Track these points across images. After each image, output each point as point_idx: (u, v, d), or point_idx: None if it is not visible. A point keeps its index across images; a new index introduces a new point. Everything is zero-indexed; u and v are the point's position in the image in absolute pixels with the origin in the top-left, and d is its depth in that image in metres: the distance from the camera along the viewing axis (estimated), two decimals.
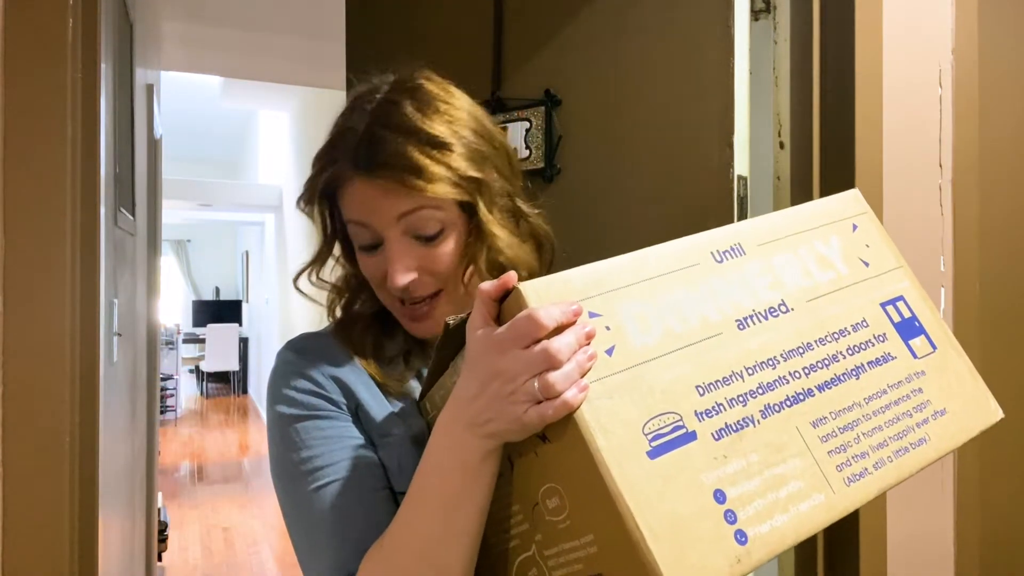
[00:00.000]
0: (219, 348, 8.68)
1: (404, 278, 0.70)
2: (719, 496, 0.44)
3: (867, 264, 0.58)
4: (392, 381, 0.74)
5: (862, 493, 0.48)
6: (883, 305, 0.56)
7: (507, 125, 1.33)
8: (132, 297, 2.15)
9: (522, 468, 0.51)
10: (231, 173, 10.01)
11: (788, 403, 0.49)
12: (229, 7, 2.98)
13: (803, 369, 0.51)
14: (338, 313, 0.80)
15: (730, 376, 0.48)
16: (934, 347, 0.57)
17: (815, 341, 0.52)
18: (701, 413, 0.46)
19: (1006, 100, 1.23)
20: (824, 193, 1.12)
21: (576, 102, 1.26)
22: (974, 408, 0.57)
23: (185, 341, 9.32)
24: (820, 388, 0.50)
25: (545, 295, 0.47)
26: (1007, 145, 1.23)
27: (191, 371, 10.19)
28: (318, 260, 0.79)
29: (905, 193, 1.14)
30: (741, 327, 0.50)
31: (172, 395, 7.85)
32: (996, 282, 1.21)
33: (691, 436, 0.45)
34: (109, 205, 1.58)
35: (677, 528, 0.42)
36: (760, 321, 0.51)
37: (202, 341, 9.17)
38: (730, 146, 1.10)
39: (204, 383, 9.35)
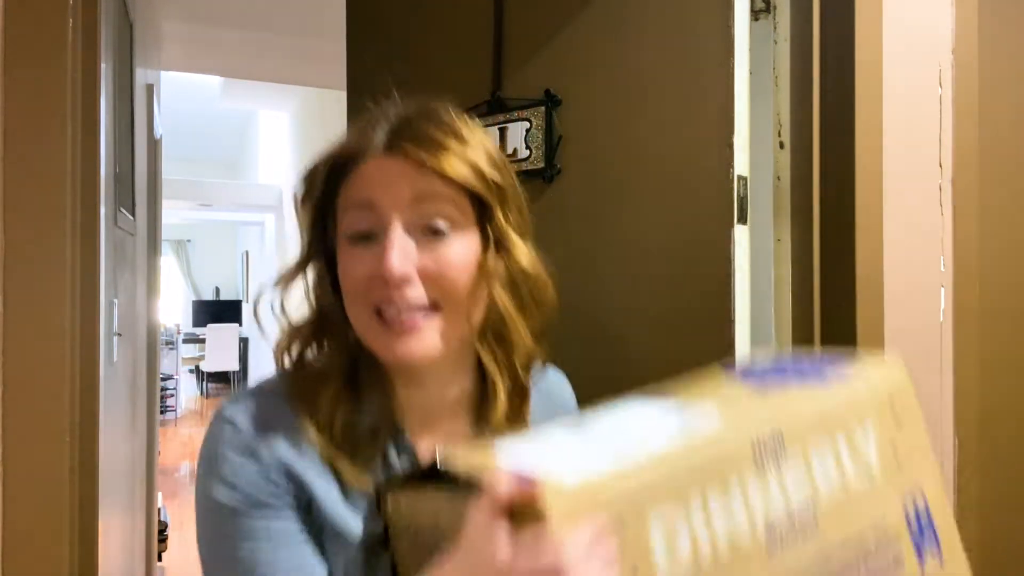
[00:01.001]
0: (219, 348, 8.68)
1: (400, 264, 0.61)
2: None
3: (897, 457, 0.57)
4: (355, 476, 0.64)
5: None
6: (905, 504, 0.56)
7: (507, 125, 1.33)
8: (132, 297, 2.15)
9: None
10: (231, 173, 10.01)
11: None
12: (229, 7, 2.98)
13: None
14: (292, 356, 0.69)
15: None
16: (942, 561, 0.57)
17: (838, 562, 0.51)
18: None
19: (1006, 100, 1.23)
20: (824, 193, 1.12)
21: (576, 102, 1.26)
22: None
23: (185, 341, 9.31)
24: None
25: (571, 509, 0.42)
26: (1007, 145, 1.23)
27: (191, 371, 10.19)
28: (300, 266, 0.70)
29: (905, 193, 1.14)
30: (773, 549, 0.48)
31: (172, 395, 7.85)
32: (996, 282, 1.21)
33: None
34: (109, 205, 1.58)
35: None
36: (788, 543, 0.49)
37: (202, 341, 9.17)
38: (730, 146, 1.10)
39: (204, 383, 9.35)
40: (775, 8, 1.17)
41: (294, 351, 0.69)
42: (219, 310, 10.03)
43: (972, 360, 1.17)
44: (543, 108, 1.28)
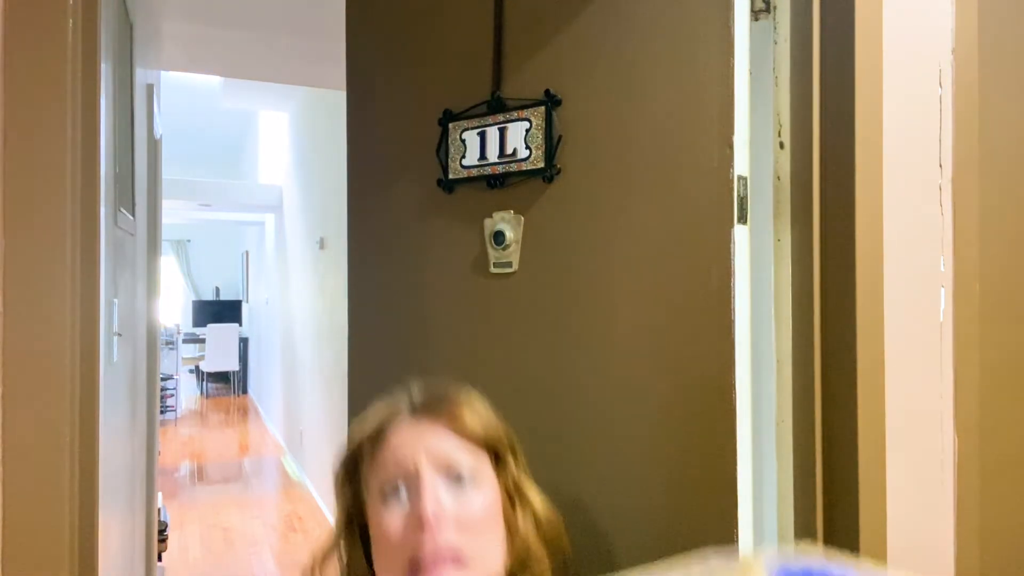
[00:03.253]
0: (219, 348, 8.68)
1: (435, 506, 0.69)
2: None
3: None
4: None
5: None
6: None
7: (507, 125, 1.33)
8: (132, 297, 2.15)
9: None
10: (231, 173, 10.01)
11: None
12: (229, 7, 2.98)
13: None
14: None
15: None
16: None
17: None
18: None
19: (1006, 100, 1.23)
20: (824, 193, 1.12)
21: (576, 102, 1.26)
22: None
23: (185, 341, 9.31)
24: None
25: None
26: (1007, 145, 1.23)
27: (191, 371, 10.19)
28: (337, 536, 0.78)
29: (905, 193, 1.14)
30: None
31: (172, 395, 7.85)
32: (996, 282, 1.21)
33: None
34: (109, 205, 1.58)
35: None
36: None
37: (202, 341, 9.17)
38: (730, 146, 1.10)
39: (204, 383, 9.35)
40: (775, 8, 1.17)
41: None
42: (219, 310, 10.03)
43: (972, 360, 1.17)
44: (543, 108, 1.28)
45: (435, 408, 0.76)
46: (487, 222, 1.35)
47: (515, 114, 1.31)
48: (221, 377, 9.43)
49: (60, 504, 1.02)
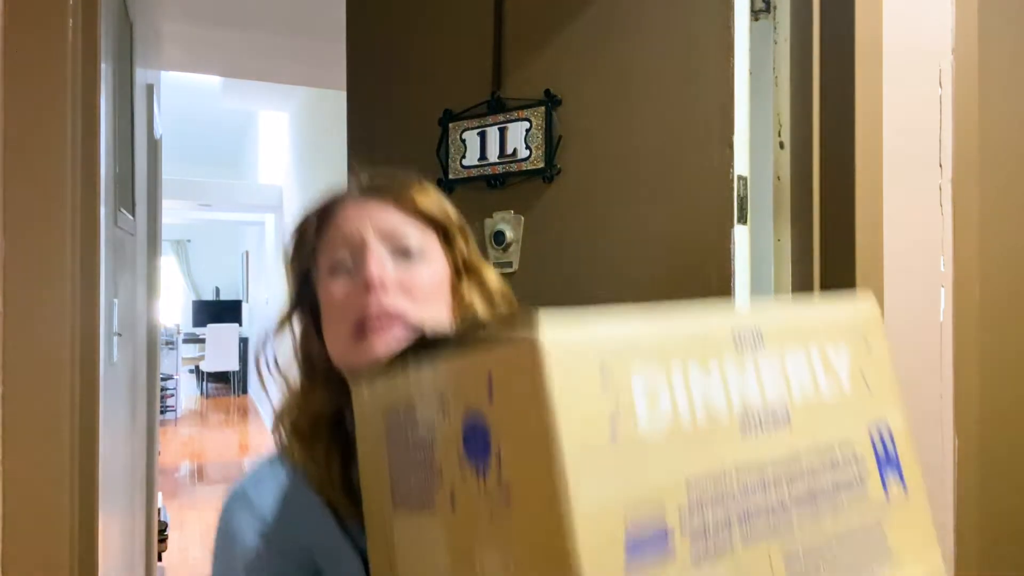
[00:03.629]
0: (219, 348, 8.68)
1: (380, 269, 0.69)
2: None
3: (867, 383, 0.57)
4: (350, 506, 0.68)
5: None
6: (871, 431, 0.56)
7: (507, 125, 1.33)
8: (132, 297, 2.15)
9: (465, 513, 0.47)
10: (231, 173, 10.01)
11: (769, 532, 0.48)
12: (229, 7, 2.98)
13: (788, 491, 0.50)
14: (287, 425, 0.75)
15: (721, 475, 0.46)
16: (905, 489, 0.57)
17: (806, 463, 0.52)
18: (688, 527, 0.44)
19: (1006, 100, 1.23)
20: (824, 193, 1.12)
21: (576, 102, 1.26)
22: (925, 563, 0.57)
23: (185, 341, 9.31)
24: (802, 510, 0.50)
25: (566, 351, 0.43)
26: (1007, 145, 1.23)
27: (191, 371, 10.19)
28: (289, 313, 0.78)
29: (905, 193, 1.14)
30: (745, 431, 0.49)
31: (172, 395, 7.85)
32: (996, 282, 1.21)
33: (670, 550, 0.42)
34: (109, 205, 1.58)
35: None
36: (761, 429, 0.50)
37: (202, 341, 9.17)
38: (730, 146, 1.10)
39: (204, 383, 9.35)
40: (775, 8, 1.17)
41: (287, 421, 0.75)
42: (219, 310, 10.03)
43: (972, 360, 1.17)
44: (543, 108, 1.28)
45: (384, 188, 0.76)
46: (487, 222, 1.35)
47: (515, 114, 1.31)
48: (221, 377, 9.43)
49: (60, 504, 1.02)
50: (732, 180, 1.10)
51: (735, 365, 0.50)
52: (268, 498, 0.70)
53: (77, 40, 1.06)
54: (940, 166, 1.17)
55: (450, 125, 1.40)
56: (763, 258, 1.16)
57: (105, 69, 1.35)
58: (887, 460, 0.56)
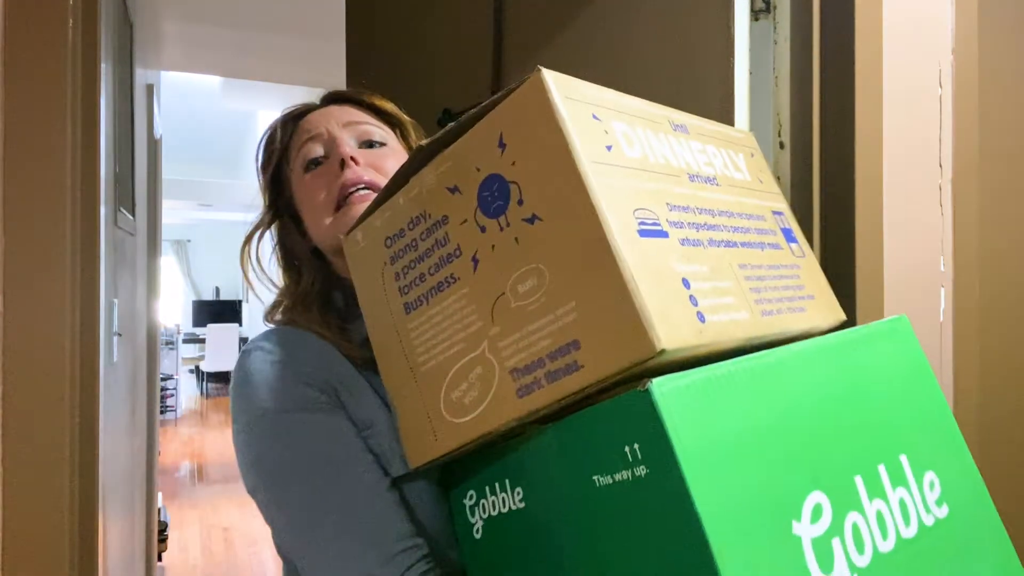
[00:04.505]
0: (219, 348, 8.68)
1: (352, 150, 0.77)
2: (686, 283, 0.50)
3: (761, 180, 0.70)
4: (359, 349, 0.72)
5: (769, 328, 0.56)
6: (772, 212, 0.69)
7: None
8: (132, 297, 2.15)
9: (490, 264, 0.54)
10: (231, 173, 10.00)
11: (724, 244, 0.58)
12: (229, 7, 2.98)
13: (730, 226, 0.60)
14: (279, 311, 0.80)
15: (687, 207, 0.56)
16: (804, 254, 0.69)
17: (741, 211, 0.63)
18: (671, 223, 0.53)
19: (1006, 100, 1.23)
20: (824, 193, 1.12)
21: None
22: (829, 306, 0.69)
23: (185, 341, 9.31)
24: (742, 244, 0.60)
25: (566, 96, 0.52)
26: (1007, 145, 1.23)
27: (191, 371, 10.19)
28: (265, 219, 0.84)
29: (905, 193, 1.14)
30: (691, 179, 0.59)
31: (172, 395, 7.85)
32: (996, 282, 1.21)
33: (665, 234, 0.52)
34: (109, 205, 1.58)
35: (660, 290, 0.48)
36: (701, 182, 0.60)
37: (202, 341, 9.17)
38: None
39: (204, 383, 9.35)
40: (775, 8, 1.17)
41: (278, 311, 0.80)
42: (219, 310, 10.03)
43: (972, 360, 1.17)
44: None
45: (343, 95, 0.84)
46: None
47: None
48: (221, 377, 9.42)
49: (60, 504, 1.02)
50: None
51: (674, 138, 0.61)
52: (286, 346, 0.71)
53: (77, 40, 1.06)
54: (940, 166, 1.17)
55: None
56: None
57: (105, 69, 1.35)
58: (787, 233, 0.68)
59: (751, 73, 1.14)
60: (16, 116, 1.00)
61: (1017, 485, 1.23)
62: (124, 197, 1.91)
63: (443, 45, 1.43)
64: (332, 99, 0.85)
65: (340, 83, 1.58)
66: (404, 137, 0.85)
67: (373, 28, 1.54)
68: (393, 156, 0.80)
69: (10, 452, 0.99)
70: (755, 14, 1.17)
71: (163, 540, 3.49)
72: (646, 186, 0.53)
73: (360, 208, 0.74)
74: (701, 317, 0.49)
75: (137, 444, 2.42)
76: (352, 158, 0.76)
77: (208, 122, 7.99)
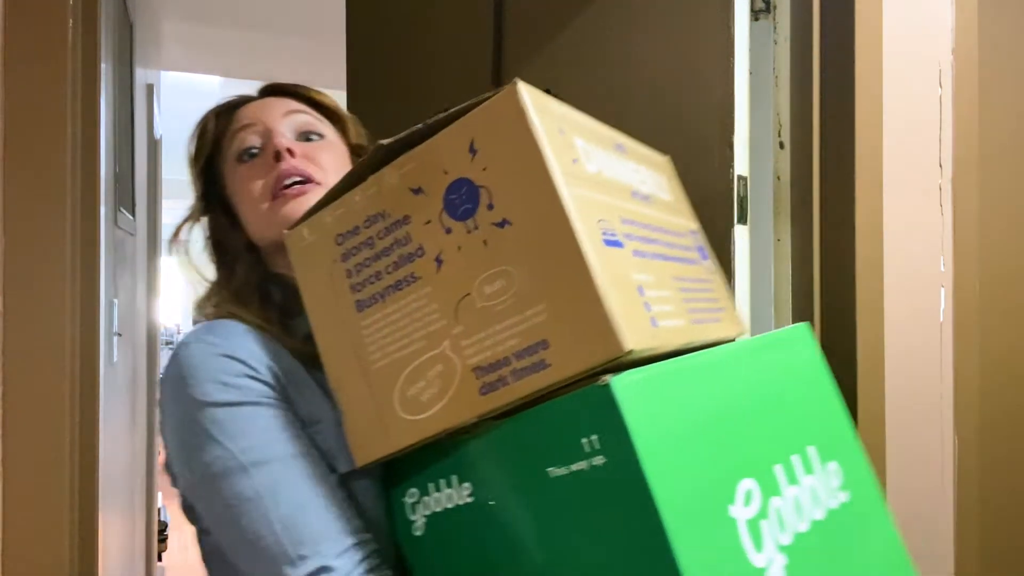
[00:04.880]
0: None
1: (288, 142, 0.75)
2: (641, 291, 0.54)
3: (678, 201, 0.76)
4: (302, 345, 0.69)
5: (697, 335, 0.61)
6: (690, 232, 0.74)
7: None
8: (132, 297, 2.15)
9: (455, 265, 0.55)
10: None
11: (662, 258, 0.62)
12: (229, 7, 2.98)
13: (665, 242, 0.65)
14: (211, 305, 0.76)
15: (634, 221, 0.60)
16: (715, 270, 0.74)
17: (669, 228, 0.67)
18: (625, 235, 0.56)
19: (1006, 100, 1.23)
20: (824, 193, 1.12)
21: (576, 102, 1.26)
22: (735, 319, 0.74)
23: None
24: (674, 259, 0.65)
25: (538, 109, 0.54)
26: (1007, 145, 1.23)
27: None
28: (195, 211, 0.83)
29: (905, 193, 1.14)
30: (633, 196, 0.63)
31: None
32: (996, 282, 1.21)
33: (621, 244, 0.55)
34: (109, 205, 1.58)
35: (623, 296, 0.51)
36: (640, 199, 0.64)
37: None
38: (730, 146, 1.10)
39: None
40: (775, 8, 1.17)
41: (209, 306, 0.77)
42: None
43: (972, 360, 1.17)
44: None
45: (283, 87, 0.83)
46: None
47: None
48: None
49: (60, 504, 1.02)
50: (732, 180, 1.10)
51: (616, 157, 0.65)
52: (231, 339, 0.67)
53: (77, 40, 1.06)
54: (940, 166, 1.17)
55: None
56: (763, 258, 1.16)
57: (105, 69, 1.35)
58: (701, 251, 0.74)
59: (751, 73, 1.14)
60: (16, 116, 1.00)
61: (1017, 484, 1.23)
62: (124, 197, 1.91)
63: (443, 45, 1.43)
64: (270, 91, 0.83)
65: (340, 83, 1.58)
66: (344, 132, 0.83)
67: (373, 28, 1.54)
68: (330, 149, 0.79)
69: (10, 452, 0.99)
70: (755, 14, 1.17)
71: (163, 540, 3.49)
72: (604, 199, 0.56)
73: (297, 201, 0.73)
74: (654, 322, 0.54)
75: (137, 444, 2.43)
76: (288, 149, 0.75)
77: None
